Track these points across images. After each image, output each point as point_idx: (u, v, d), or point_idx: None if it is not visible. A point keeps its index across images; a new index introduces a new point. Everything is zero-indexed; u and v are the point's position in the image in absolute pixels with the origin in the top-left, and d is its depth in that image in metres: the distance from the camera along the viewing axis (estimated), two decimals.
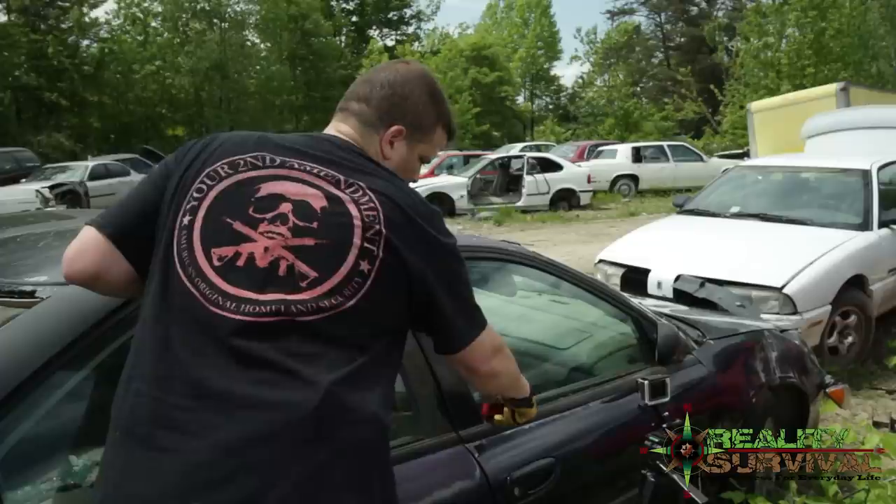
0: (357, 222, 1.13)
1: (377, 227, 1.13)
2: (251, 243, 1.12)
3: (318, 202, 1.15)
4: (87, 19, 27.57)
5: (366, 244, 1.12)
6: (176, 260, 1.12)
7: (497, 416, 1.54)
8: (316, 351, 1.07)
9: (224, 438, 1.00)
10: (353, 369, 1.08)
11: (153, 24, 30.54)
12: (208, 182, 1.17)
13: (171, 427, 1.02)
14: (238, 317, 1.07)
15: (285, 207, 1.14)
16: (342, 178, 1.17)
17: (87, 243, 1.17)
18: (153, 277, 1.14)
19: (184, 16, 30.89)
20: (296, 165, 1.18)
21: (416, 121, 1.31)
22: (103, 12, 30.72)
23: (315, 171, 1.18)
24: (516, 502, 1.63)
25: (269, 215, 1.13)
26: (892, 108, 7.59)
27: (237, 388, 1.03)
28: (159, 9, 30.48)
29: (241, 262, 1.11)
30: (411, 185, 1.30)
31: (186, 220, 1.14)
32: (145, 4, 30.05)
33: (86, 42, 27.90)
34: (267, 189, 1.16)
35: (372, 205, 1.15)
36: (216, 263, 1.11)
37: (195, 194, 1.16)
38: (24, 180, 15.76)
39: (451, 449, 1.62)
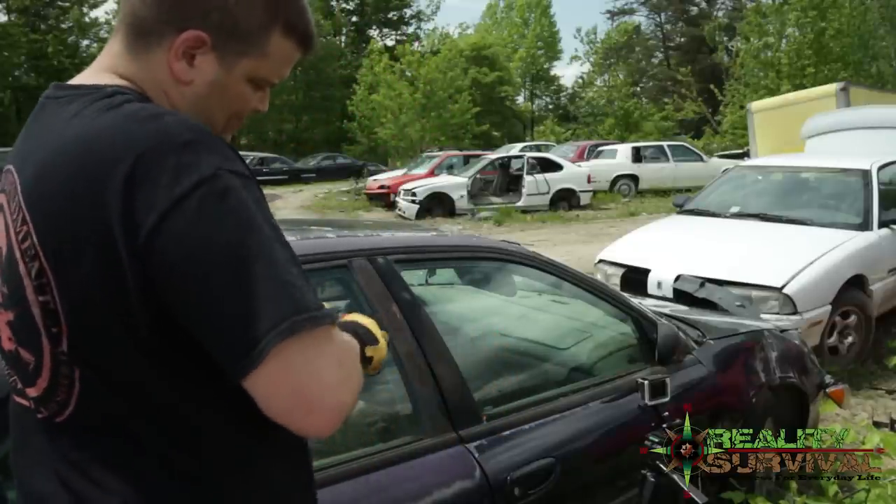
0: (22, 268, 0.78)
1: (37, 263, 0.76)
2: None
3: (5, 243, 0.81)
4: (87, 19, 27.65)
5: (40, 297, 0.77)
6: None
7: None
8: (84, 456, 0.80)
9: None
10: (136, 473, 0.78)
11: None
12: None
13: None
14: (24, 402, 0.86)
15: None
16: (14, 185, 0.80)
17: None
18: None
19: None
20: (5, 184, 0.83)
21: (227, 22, 0.82)
22: (103, 12, 30.77)
23: (10, 184, 0.82)
24: (516, 502, 1.63)
25: None
26: (892, 108, 7.58)
27: (37, 489, 0.85)
28: None
29: (2, 342, 0.87)
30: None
31: None
32: None
33: (86, 42, 27.96)
34: None
35: (25, 228, 0.77)
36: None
37: None
38: None
39: (451, 449, 1.62)
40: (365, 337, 1.01)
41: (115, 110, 0.76)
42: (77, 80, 0.86)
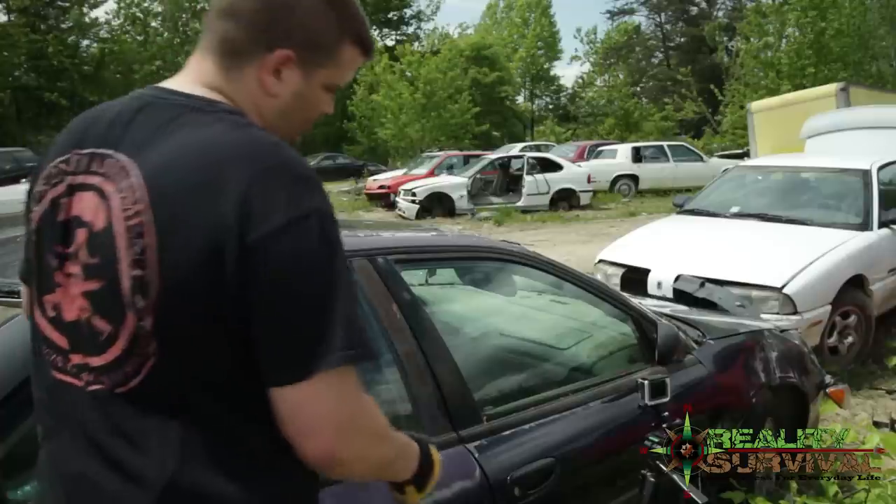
0: (121, 241, 0.84)
1: (143, 240, 0.82)
2: (60, 289, 0.90)
3: (101, 221, 0.86)
4: (87, 19, 27.63)
5: (134, 271, 0.82)
6: (32, 311, 0.97)
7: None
8: (142, 428, 0.85)
9: None
10: (193, 447, 0.84)
11: (153, 24, 30.54)
12: (34, 207, 0.95)
13: (50, 488, 0.94)
14: (73, 380, 0.89)
15: (80, 236, 0.88)
16: (126, 169, 0.87)
17: (23, 289, 1.08)
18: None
19: (184, 16, 30.90)
20: (95, 165, 0.90)
21: (310, 39, 0.95)
22: (103, 12, 30.83)
23: (109, 167, 0.88)
24: (516, 502, 1.63)
25: (71, 249, 0.89)
26: (892, 108, 7.59)
27: (78, 469, 0.88)
28: (159, 9, 30.49)
29: (63, 314, 0.90)
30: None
31: (31, 261, 0.97)
32: (145, 4, 30.05)
33: (86, 42, 27.95)
34: (70, 209, 0.90)
35: (138, 207, 0.83)
36: (50, 314, 0.92)
37: (30, 226, 0.96)
38: (24, 180, 15.76)
39: (451, 449, 1.62)
40: (425, 465, 1.08)
41: (244, 129, 0.88)
42: (177, 86, 0.94)
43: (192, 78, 0.95)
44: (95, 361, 0.87)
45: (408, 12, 41.78)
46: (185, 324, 0.83)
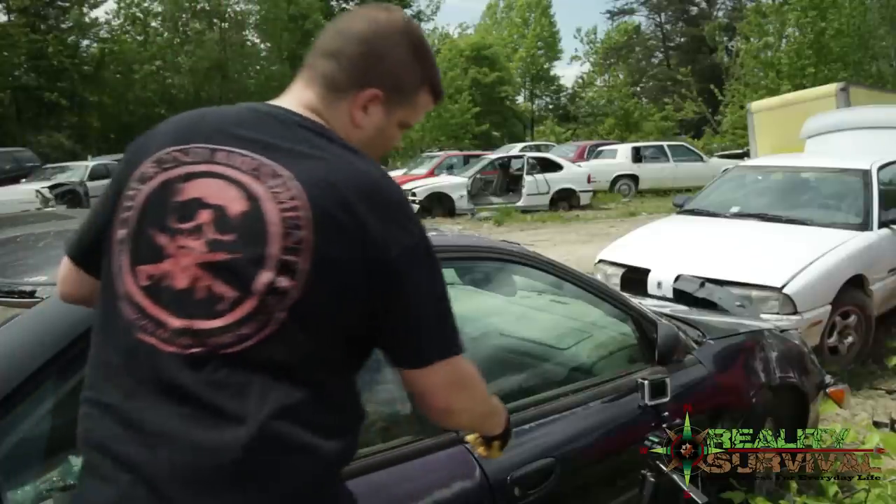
0: (274, 228, 0.97)
1: (300, 232, 0.96)
2: (170, 260, 0.99)
3: (237, 206, 0.99)
4: (87, 19, 27.60)
5: (285, 256, 0.96)
6: (114, 279, 1.03)
7: (470, 437, 1.42)
8: (244, 381, 0.95)
9: (149, 475, 0.94)
10: (289, 400, 0.96)
11: (153, 24, 30.53)
12: (138, 186, 1.04)
13: (107, 454, 0.97)
14: (163, 345, 0.97)
15: (204, 216, 0.99)
16: (269, 168, 1.00)
17: (63, 268, 1.16)
18: (100, 297, 1.07)
19: (184, 16, 30.89)
20: (220, 158, 1.02)
21: (396, 83, 1.13)
22: (103, 12, 30.74)
23: (241, 162, 1.01)
24: (516, 502, 1.64)
25: (187, 225, 0.99)
26: (892, 108, 7.58)
27: (161, 423, 0.95)
28: (159, 9, 30.48)
29: (165, 282, 0.99)
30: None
31: (121, 233, 1.04)
32: (145, 4, 30.03)
33: (86, 42, 27.94)
34: (188, 192, 1.01)
35: (295, 203, 0.97)
36: (144, 283, 1.00)
37: (127, 203, 1.04)
38: (24, 180, 15.78)
39: (451, 449, 1.62)
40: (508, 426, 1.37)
41: (370, 162, 1.06)
42: (290, 106, 1.09)
43: (299, 102, 1.10)
44: (205, 324, 0.96)
45: (408, 12, 41.73)
46: (319, 308, 0.97)
